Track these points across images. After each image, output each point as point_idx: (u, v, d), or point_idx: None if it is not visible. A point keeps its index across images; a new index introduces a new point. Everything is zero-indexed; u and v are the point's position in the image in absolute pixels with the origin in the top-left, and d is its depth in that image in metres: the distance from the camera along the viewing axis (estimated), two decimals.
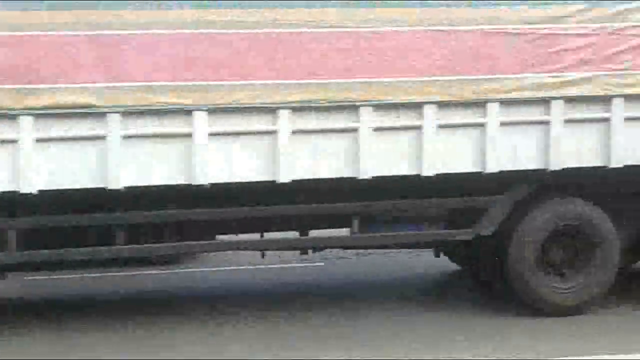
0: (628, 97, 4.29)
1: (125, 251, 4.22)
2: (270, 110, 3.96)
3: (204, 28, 3.89)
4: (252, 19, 3.92)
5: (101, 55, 3.82)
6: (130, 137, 3.85)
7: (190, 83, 3.88)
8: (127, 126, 3.83)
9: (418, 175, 4.15)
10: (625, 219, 4.64)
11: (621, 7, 4.24)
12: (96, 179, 3.85)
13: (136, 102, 3.82)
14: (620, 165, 4.32)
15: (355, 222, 4.34)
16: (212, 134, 3.92)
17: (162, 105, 3.86)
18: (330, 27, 3.99)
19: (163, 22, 3.87)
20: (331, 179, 4.11)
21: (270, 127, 3.99)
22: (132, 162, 3.86)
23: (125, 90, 3.81)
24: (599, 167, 4.34)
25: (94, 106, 3.78)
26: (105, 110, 3.78)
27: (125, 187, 3.86)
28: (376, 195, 4.34)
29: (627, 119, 4.31)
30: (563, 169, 4.27)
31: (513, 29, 4.16)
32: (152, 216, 4.15)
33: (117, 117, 3.80)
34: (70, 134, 3.83)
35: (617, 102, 4.27)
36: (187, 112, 3.88)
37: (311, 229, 4.54)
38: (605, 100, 4.28)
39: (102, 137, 3.82)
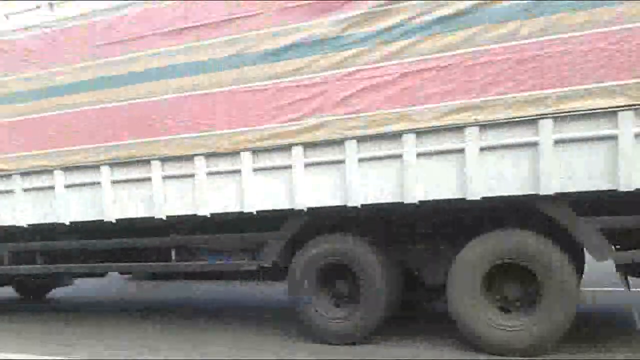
0: (361, 139, 4.39)
1: None
2: None
3: None
4: None
5: None
6: None
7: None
8: None
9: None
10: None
11: (347, 52, 4.38)
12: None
13: None
14: (358, 205, 4.44)
15: (173, 253, 5.47)
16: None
17: None
18: None
19: None
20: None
21: None
22: None
23: None
24: (339, 206, 4.53)
25: None
26: None
27: None
28: (198, 229, 5.39)
29: (361, 159, 4.40)
30: (313, 208, 4.62)
31: (259, 85, 4.74)
32: None
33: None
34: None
35: (350, 144, 4.42)
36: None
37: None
38: (339, 143, 4.47)
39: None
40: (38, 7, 5.57)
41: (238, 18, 4.72)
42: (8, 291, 8.36)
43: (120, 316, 6.57)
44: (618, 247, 4.25)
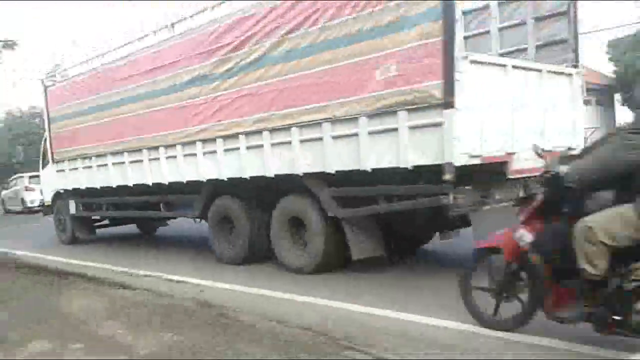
0: (225, 137, 7.06)
1: None
2: None
3: None
4: None
5: None
6: None
7: None
8: None
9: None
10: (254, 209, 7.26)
11: (212, 85, 7.08)
12: None
13: None
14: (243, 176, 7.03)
15: (162, 206, 8.78)
16: None
17: None
18: None
19: None
20: None
21: None
22: None
23: None
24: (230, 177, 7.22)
25: None
26: None
27: None
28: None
29: (226, 150, 7.06)
30: (215, 180, 7.44)
31: (179, 104, 7.67)
32: None
33: None
34: None
35: (219, 141, 7.14)
36: None
37: None
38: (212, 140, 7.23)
39: None
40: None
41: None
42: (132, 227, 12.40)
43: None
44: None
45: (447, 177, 4.90)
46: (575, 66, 6.35)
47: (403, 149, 5.24)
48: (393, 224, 6.31)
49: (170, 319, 4.73)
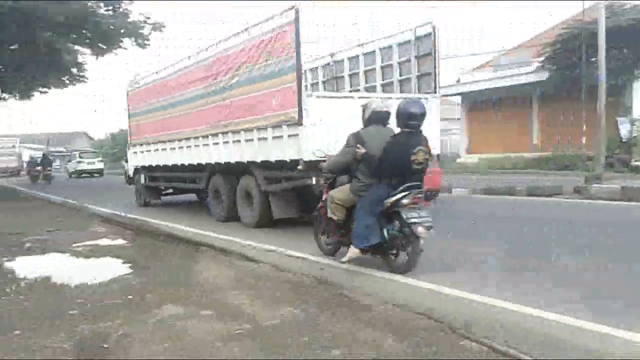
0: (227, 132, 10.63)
1: None
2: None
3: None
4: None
5: None
6: None
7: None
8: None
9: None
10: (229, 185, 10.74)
11: (215, 97, 10.66)
12: None
13: None
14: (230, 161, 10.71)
15: (187, 180, 12.62)
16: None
17: None
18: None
19: None
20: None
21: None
22: None
23: None
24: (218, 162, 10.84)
25: None
26: None
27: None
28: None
29: (225, 142, 10.64)
30: (211, 163, 11.05)
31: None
32: None
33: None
34: None
35: (224, 135, 10.70)
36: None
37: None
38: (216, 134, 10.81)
39: None
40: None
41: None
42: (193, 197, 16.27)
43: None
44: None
45: (300, 167, 8.01)
46: (434, 92, 9.03)
47: (286, 148, 8.41)
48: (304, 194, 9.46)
49: (292, 294, 5.02)
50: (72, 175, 38.63)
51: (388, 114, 6.01)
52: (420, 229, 5.41)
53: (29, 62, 21.18)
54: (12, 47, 21.18)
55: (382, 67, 10.21)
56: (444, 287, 4.78)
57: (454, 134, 33.63)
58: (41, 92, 26.57)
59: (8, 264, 7.45)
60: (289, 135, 8.28)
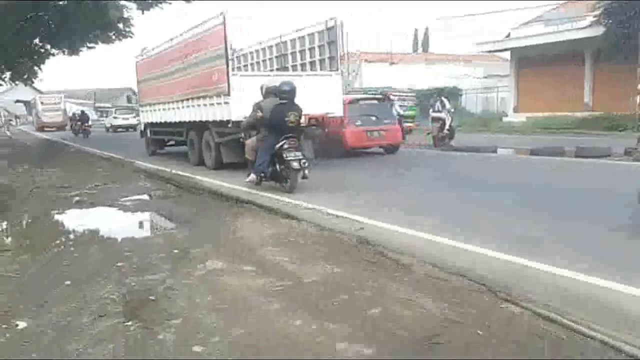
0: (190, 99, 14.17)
1: None
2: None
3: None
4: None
5: None
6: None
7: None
8: None
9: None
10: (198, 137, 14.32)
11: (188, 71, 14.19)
12: None
13: None
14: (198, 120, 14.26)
15: (176, 135, 16.28)
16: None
17: None
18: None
19: None
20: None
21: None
22: None
23: None
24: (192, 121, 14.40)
25: None
26: None
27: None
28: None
29: (190, 105, 14.18)
30: (187, 121, 14.62)
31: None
32: None
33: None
34: None
35: (193, 100, 14.24)
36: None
37: None
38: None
39: None
40: None
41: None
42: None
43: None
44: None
45: (229, 126, 11.47)
46: (336, 70, 12.26)
47: (224, 112, 11.84)
48: None
49: (332, 252, 4.93)
50: (109, 130, 41.95)
51: (275, 88, 9.30)
52: (294, 164, 8.78)
53: (75, 17, 20.97)
54: (60, 2, 21.60)
55: (308, 49, 13.40)
56: (488, 251, 4.88)
57: (502, 91, 31.70)
58: (88, 47, 26.11)
59: (59, 217, 7.80)
60: (224, 103, 11.71)
